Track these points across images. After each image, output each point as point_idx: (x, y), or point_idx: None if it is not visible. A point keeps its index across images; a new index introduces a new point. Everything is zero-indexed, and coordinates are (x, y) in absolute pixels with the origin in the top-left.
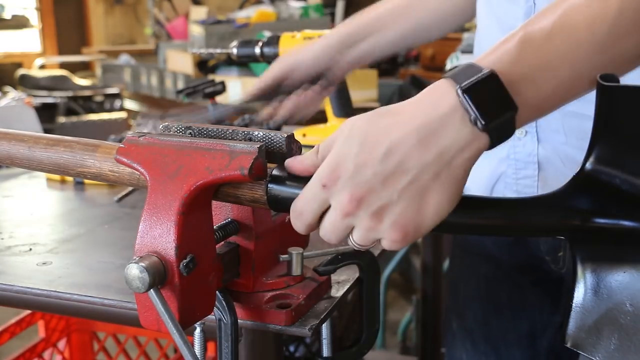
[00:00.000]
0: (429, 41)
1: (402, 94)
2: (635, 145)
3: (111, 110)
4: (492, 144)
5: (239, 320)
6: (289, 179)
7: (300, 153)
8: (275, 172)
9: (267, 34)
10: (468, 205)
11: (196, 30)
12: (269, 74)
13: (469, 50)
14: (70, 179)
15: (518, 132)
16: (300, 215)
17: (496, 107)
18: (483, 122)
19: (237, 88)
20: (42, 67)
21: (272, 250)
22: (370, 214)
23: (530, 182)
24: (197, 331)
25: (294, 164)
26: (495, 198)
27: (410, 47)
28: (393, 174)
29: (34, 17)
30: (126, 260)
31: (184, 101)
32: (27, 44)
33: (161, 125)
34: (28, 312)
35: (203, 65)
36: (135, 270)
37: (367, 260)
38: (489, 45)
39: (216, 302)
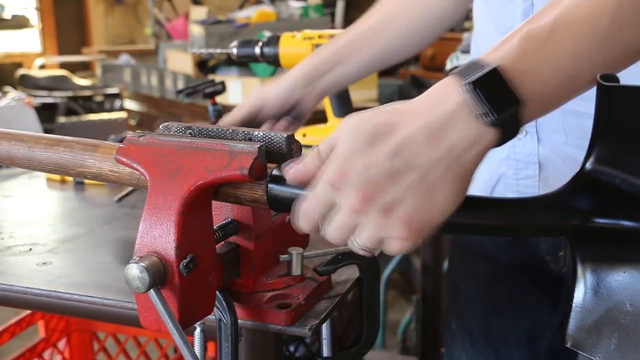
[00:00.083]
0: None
1: (402, 94)
2: (635, 145)
3: (111, 110)
4: (500, 140)
5: (239, 320)
6: None
7: (300, 153)
8: (275, 172)
9: (267, 34)
10: (468, 205)
11: (196, 30)
12: (239, 111)
13: (468, 50)
14: (70, 179)
15: None
16: (306, 215)
17: (502, 102)
18: (490, 117)
19: (237, 88)
20: (42, 67)
21: (272, 250)
22: (379, 210)
23: (531, 182)
24: (197, 331)
25: (296, 174)
26: (495, 198)
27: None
28: (402, 171)
29: (34, 17)
30: (126, 260)
31: (184, 101)
32: (27, 44)
33: (161, 126)
34: (28, 312)
35: (203, 65)
36: (135, 270)
37: (367, 260)
38: (486, 45)
39: (216, 302)
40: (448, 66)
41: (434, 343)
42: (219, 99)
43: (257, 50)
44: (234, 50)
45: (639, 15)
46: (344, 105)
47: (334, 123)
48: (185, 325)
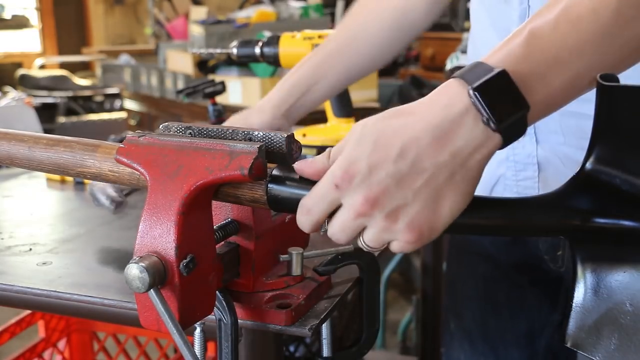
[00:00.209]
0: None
1: (402, 94)
2: (635, 145)
3: (111, 110)
4: (506, 143)
5: (239, 320)
6: (290, 179)
7: (300, 153)
8: (275, 172)
9: (267, 34)
10: (469, 205)
11: (196, 30)
12: None
13: None
14: (70, 179)
15: None
16: (308, 213)
17: (508, 106)
18: (496, 122)
19: (237, 88)
20: (42, 67)
21: (272, 250)
22: (385, 214)
23: (531, 183)
24: (197, 331)
25: (305, 167)
26: (495, 198)
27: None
28: (408, 174)
29: (34, 17)
30: (126, 260)
31: (184, 101)
32: (27, 44)
33: (161, 126)
34: (28, 312)
35: (203, 65)
36: (135, 270)
37: (367, 260)
38: (484, 46)
39: (216, 302)
40: (448, 66)
41: (433, 343)
42: (219, 99)
43: (257, 50)
44: (234, 50)
45: None
46: (344, 105)
47: (334, 123)
48: (185, 325)
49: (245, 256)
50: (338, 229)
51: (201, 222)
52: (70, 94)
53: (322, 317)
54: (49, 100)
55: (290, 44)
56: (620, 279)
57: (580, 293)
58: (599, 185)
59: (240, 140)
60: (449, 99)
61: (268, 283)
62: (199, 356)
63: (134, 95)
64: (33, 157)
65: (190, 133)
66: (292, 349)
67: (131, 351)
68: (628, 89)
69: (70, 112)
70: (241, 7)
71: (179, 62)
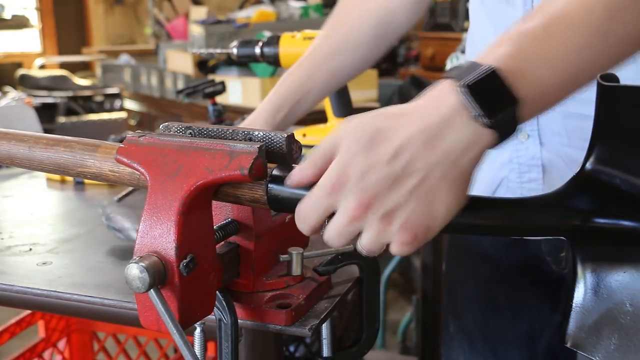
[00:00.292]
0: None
1: (402, 94)
2: (635, 145)
3: (111, 110)
4: (498, 141)
5: (239, 320)
6: None
7: (300, 153)
8: (275, 172)
9: (267, 34)
10: (468, 205)
11: (196, 30)
12: None
13: None
14: (70, 179)
15: (520, 135)
16: (304, 220)
17: (497, 102)
18: (486, 118)
19: (237, 88)
20: (42, 67)
21: (272, 250)
22: (379, 217)
23: (535, 185)
24: (197, 331)
25: (295, 178)
26: (495, 198)
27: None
28: (400, 176)
29: (34, 17)
30: (126, 260)
31: (184, 101)
32: (27, 44)
33: (161, 126)
34: (28, 312)
35: (203, 65)
36: (135, 270)
37: (367, 260)
38: (483, 46)
39: (216, 302)
40: (448, 66)
41: (433, 343)
42: (219, 99)
43: (257, 50)
44: (234, 50)
45: (633, 3)
46: (344, 105)
47: (334, 123)
48: (185, 325)
49: (245, 256)
50: (334, 234)
51: (201, 222)
52: (70, 94)
53: (322, 317)
54: (49, 100)
55: (290, 44)
56: (620, 279)
57: (580, 293)
58: (599, 185)
59: (240, 140)
60: (440, 98)
61: (268, 283)
62: (199, 356)
63: (134, 95)
64: (33, 157)
65: (190, 133)
66: (292, 349)
67: (131, 351)
68: (628, 89)
69: (70, 112)
70: (241, 7)
71: (179, 62)
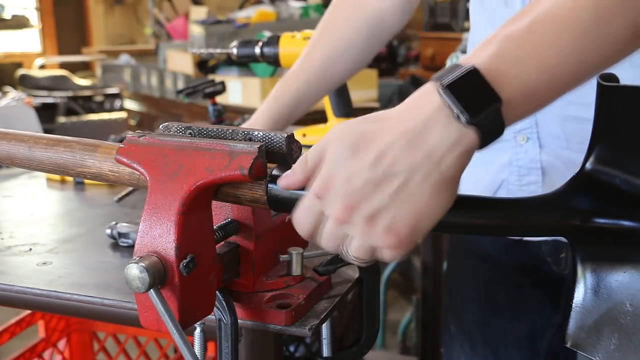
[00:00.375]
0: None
1: (402, 94)
2: (635, 145)
3: (111, 110)
4: (483, 140)
5: (239, 320)
6: None
7: (300, 153)
8: (275, 172)
9: (267, 34)
10: (468, 205)
11: (196, 30)
12: None
13: None
14: (70, 179)
15: (519, 138)
16: (299, 225)
17: (478, 100)
18: (467, 117)
19: (237, 88)
20: (42, 67)
21: (272, 250)
22: (363, 220)
23: (535, 188)
24: (197, 331)
25: (284, 181)
26: (495, 198)
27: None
28: (383, 179)
29: (34, 17)
30: (126, 260)
31: (184, 101)
32: (27, 44)
33: (161, 126)
34: (28, 312)
35: (203, 65)
36: (135, 270)
37: None
38: None
39: (216, 302)
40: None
41: (433, 343)
42: (219, 99)
43: (257, 50)
44: (234, 50)
45: (621, 6)
46: (344, 105)
47: (334, 123)
48: (185, 325)
49: (245, 256)
50: (324, 238)
51: (201, 222)
52: (70, 94)
53: (322, 317)
54: (49, 100)
55: (290, 44)
56: (620, 279)
57: (580, 293)
58: (599, 185)
59: (240, 140)
60: (422, 100)
61: (268, 283)
62: (199, 356)
63: (134, 95)
64: (33, 157)
65: (190, 133)
66: (292, 349)
67: (131, 351)
68: (628, 89)
69: (70, 112)
70: (241, 7)
71: (179, 62)
